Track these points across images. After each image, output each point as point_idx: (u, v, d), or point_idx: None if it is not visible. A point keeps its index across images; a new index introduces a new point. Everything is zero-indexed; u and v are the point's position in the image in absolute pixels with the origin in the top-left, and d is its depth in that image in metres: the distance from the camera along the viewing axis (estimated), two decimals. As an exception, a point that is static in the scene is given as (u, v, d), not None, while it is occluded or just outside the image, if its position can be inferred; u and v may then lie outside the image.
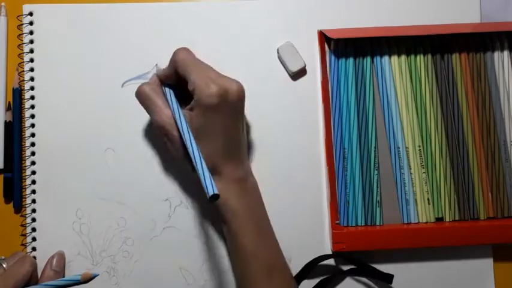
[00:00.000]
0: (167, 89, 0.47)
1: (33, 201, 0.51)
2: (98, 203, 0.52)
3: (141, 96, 0.47)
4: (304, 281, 0.51)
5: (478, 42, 0.52)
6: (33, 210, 0.51)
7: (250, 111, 0.51)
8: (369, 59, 0.52)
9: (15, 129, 0.51)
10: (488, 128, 0.51)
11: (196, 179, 0.41)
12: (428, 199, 0.51)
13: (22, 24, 0.52)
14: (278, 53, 0.52)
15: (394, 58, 0.51)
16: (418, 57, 0.52)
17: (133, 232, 0.52)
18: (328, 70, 0.52)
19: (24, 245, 0.51)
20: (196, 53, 0.48)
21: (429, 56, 0.51)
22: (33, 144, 0.52)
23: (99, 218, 0.52)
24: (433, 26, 0.51)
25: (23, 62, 0.52)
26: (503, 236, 0.49)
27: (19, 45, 0.52)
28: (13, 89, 0.52)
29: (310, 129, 0.52)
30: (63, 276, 0.50)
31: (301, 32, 0.53)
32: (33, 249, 0.51)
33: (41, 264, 0.50)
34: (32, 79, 0.52)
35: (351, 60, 0.51)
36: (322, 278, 0.51)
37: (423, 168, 0.51)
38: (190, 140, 0.43)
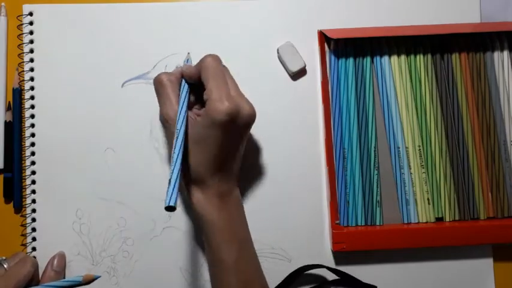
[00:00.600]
0: (185, 86, 0.46)
1: (33, 201, 0.51)
2: (98, 203, 0.52)
3: (157, 84, 0.46)
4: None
5: (478, 42, 0.52)
6: (33, 210, 0.51)
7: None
8: (368, 59, 0.52)
9: (15, 129, 0.51)
10: (488, 127, 0.51)
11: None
12: (428, 199, 0.51)
13: (22, 24, 0.52)
14: (278, 53, 0.52)
15: (394, 58, 0.51)
16: (418, 57, 0.52)
17: (133, 232, 0.52)
18: (328, 70, 0.52)
19: (24, 245, 0.51)
20: (196, 54, 0.48)
21: (429, 56, 0.51)
22: (33, 144, 0.52)
23: (99, 218, 0.52)
24: (433, 26, 0.51)
25: (23, 62, 0.52)
26: (503, 235, 0.49)
27: (19, 45, 0.52)
28: (13, 89, 0.52)
29: (310, 129, 0.52)
30: (64, 277, 0.50)
31: (301, 32, 0.53)
32: (33, 249, 0.51)
33: (41, 264, 0.50)
34: (32, 79, 0.52)
35: (351, 60, 0.51)
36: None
37: (423, 168, 0.51)
38: (180, 146, 0.42)
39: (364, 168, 0.51)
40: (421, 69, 0.51)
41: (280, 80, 0.53)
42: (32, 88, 0.52)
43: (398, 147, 0.51)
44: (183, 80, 0.47)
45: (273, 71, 0.53)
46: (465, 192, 0.51)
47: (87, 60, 0.52)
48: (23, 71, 0.52)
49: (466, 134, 0.51)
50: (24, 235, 0.51)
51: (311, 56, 0.53)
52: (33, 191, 0.51)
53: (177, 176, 0.41)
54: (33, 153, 0.52)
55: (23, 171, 0.52)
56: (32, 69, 0.52)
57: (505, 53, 0.51)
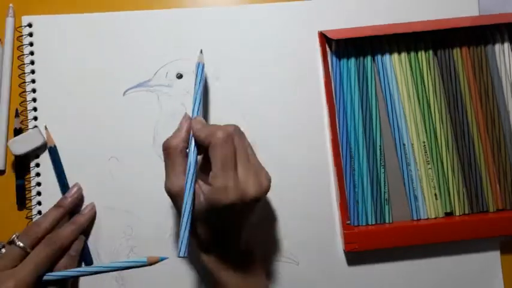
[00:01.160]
0: (194, 150, 0.44)
1: (39, 212, 0.51)
2: (105, 212, 0.51)
3: (163, 151, 0.44)
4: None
5: (478, 35, 0.52)
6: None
7: (255, 114, 0.52)
8: (370, 57, 0.52)
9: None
10: (492, 118, 0.51)
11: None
12: (435, 194, 0.51)
13: (22, 36, 0.52)
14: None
15: (395, 55, 0.52)
16: (419, 54, 0.52)
17: (140, 240, 0.51)
18: (330, 71, 0.52)
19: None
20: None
21: (430, 52, 0.52)
22: (37, 156, 0.51)
23: (105, 226, 0.51)
24: (432, 21, 0.51)
25: (24, 73, 0.52)
26: (512, 227, 0.49)
27: (19, 56, 0.52)
28: (49, 147, 0.51)
29: (316, 131, 0.52)
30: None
31: (301, 33, 0.53)
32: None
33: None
34: (34, 91, 0.52)
35: (353, 59, 0.52)
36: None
37: (429, 163, 0.51)
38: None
39: (371, 167, 0.51)
40: (423, 65, 0.52)
41: (285, 82, 0.53)
42: (34, 100, 0.52)
43: (404, 144, 0.51)
44: (193, 140, 0.44)
45: (277, 72, 0.53)
46: (473, 185, 0.51)
47: (88, 70, 0.52)
48: (24, 82, 0.52)
49: (471, 126, 0.51)
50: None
51: (312, 57, 0.53)
52: (39, 203, 0.51)
53: (186, 229, 0.42)
54: (37, 165, 0.51)
55: (28, 182, 0.51)
56: (33, 81, 0.52)
57: (506, 44, 0.52)
